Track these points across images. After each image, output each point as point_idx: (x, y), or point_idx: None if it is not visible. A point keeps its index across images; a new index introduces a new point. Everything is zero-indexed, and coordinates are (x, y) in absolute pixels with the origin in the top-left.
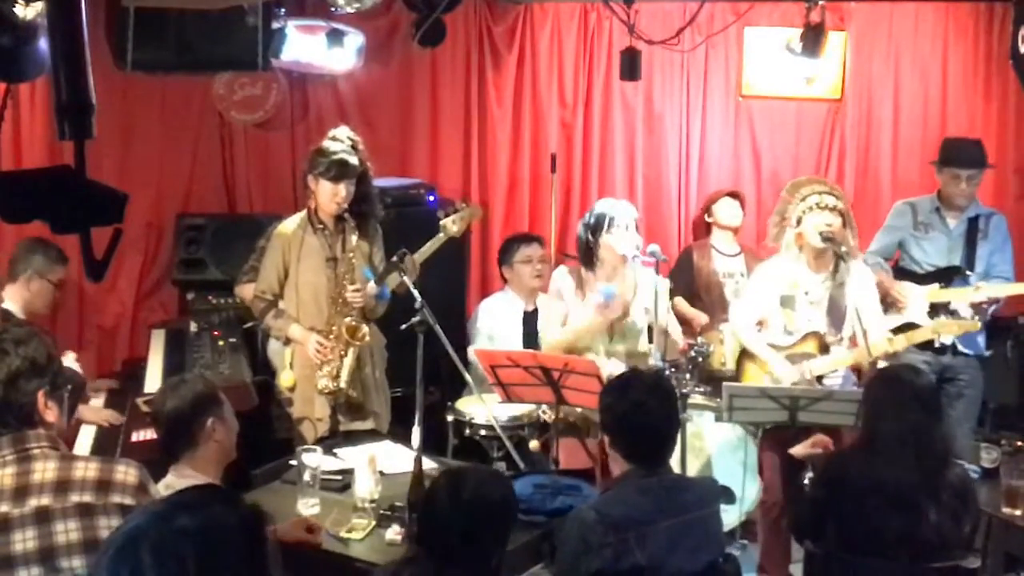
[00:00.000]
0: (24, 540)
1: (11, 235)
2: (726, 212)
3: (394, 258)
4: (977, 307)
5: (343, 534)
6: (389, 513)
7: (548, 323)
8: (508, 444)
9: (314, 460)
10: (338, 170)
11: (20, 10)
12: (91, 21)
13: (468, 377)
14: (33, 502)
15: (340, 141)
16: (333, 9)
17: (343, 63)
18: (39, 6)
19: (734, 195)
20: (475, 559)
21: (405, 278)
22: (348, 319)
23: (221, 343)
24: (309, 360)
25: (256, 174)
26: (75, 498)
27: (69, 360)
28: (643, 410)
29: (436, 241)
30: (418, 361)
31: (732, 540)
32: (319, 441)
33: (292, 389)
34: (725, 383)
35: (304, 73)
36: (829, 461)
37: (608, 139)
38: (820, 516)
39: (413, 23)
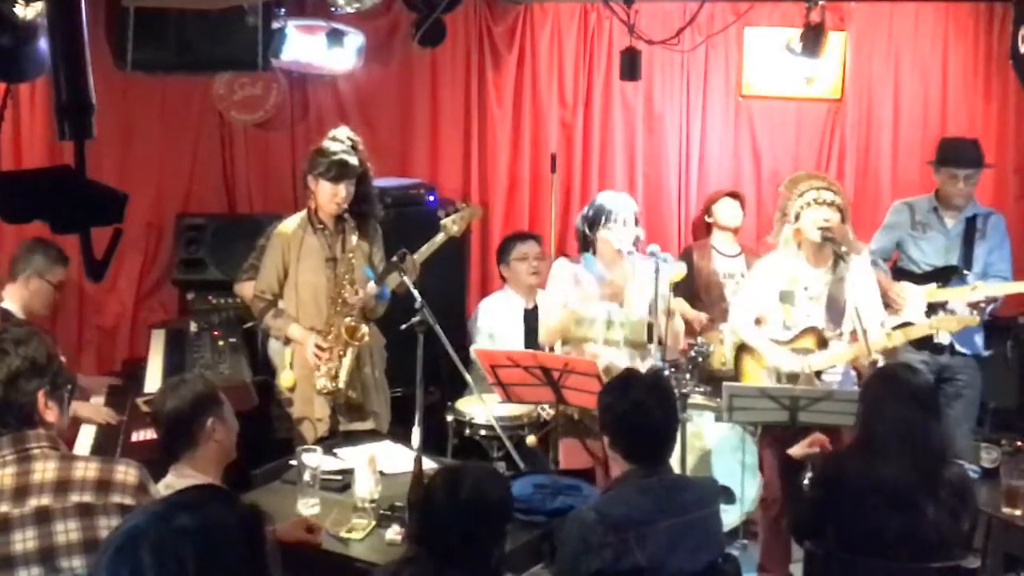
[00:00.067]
0: (24, 540)
1: (11, 235)
2: (726, 212)
3: (394, 258)
4: (975, 306)
5: (343, 534)
6: (389, 513)
7: (547, 311)
8: (508, 444)
9: (314, 460)
10: (338, 170)
11: (20, 10)
12: (91, 21)
13: (468, 377)
14: (33, 502)
15: (340, 141)
16: (333, 9)
17: (343, 63)
18: (39, 6)
19: (734, 195)
20: (475, 558)
21: (405, 278)
22: (347, 319)
23: (221, 343)
24: (309, 360)
25: (256, 174)
26: (75, 498)
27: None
28: (642, 410)
29: (436, 241)
30: (418, 361)
31: (733, 540)
32: (319, 441)
33: (292, 389)
34: (725, 383)
35: (304, 73)
36: (827, 461)
37: (608, 139)
38: (819, 516)
39: (413, 23)
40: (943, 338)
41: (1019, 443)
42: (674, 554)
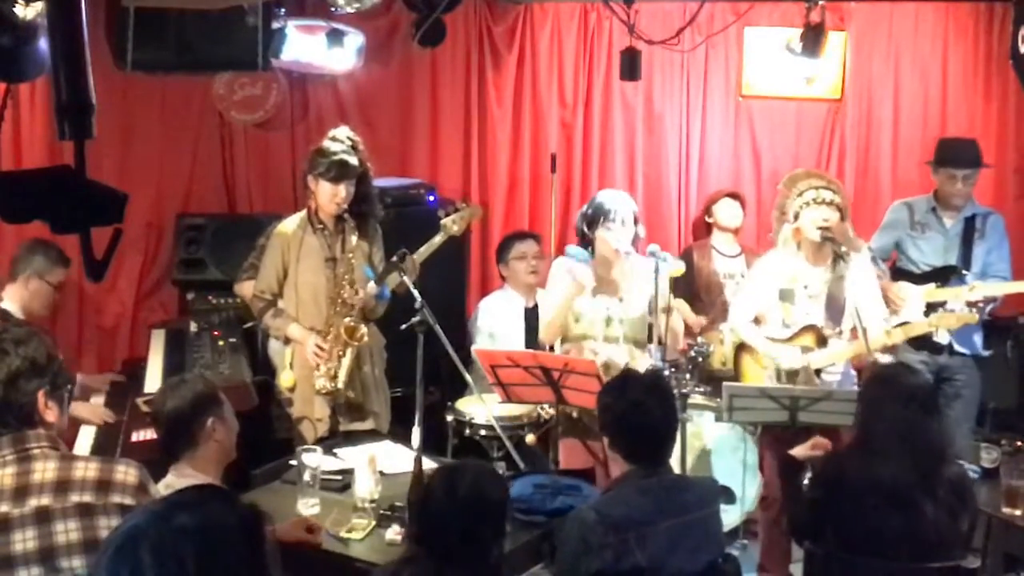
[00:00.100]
0: (24, 540)
1: (11, 235)
2: (726, 213)
3: (394, 258)
4: (973, 306)
5: (343, 534)
6: (389, 513)
7: (546, 308)
8: (508, 444)
9: (314, 460)
10: (338, 171)
11: (20, 10)
12: (91, 21)
13: (468, 377)
14: (33, 502)
15: (340, 141)
16: (333, 9)
17: (343, 63)
18: (39, 6)
19: (734, 196)
20: (475, 556)
21: (405, 278)
22: (347, 320)
23: (221, 343)
24: (309, 360)
25: (256, 174)
26: (75, 498)
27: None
28: (642, 410)
29: (436, 241)
30: (418, 361)
31: (733, 540)
32: (319, 441)
33: (292, 389)
34: (725, 383)
35: (304, 73)
36: (826, 462)
37: (608, 139)
38: (818, 516)
39: (413, 23)
40: (942, 338)
41: (1019, 443)
42: (674, 554)
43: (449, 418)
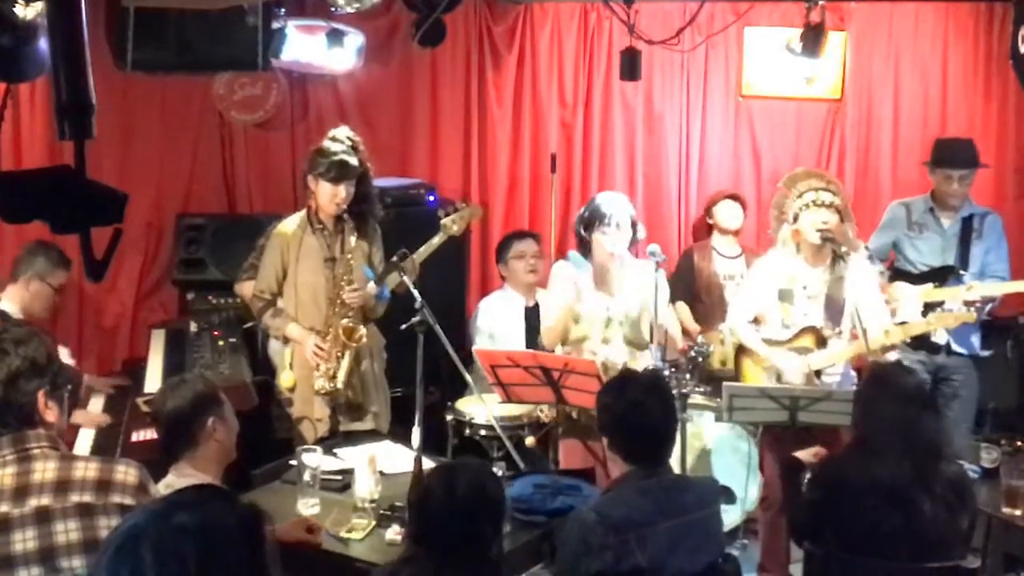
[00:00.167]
0: (24, 540)
1: (11, 235)
2: (726, 214)
3: (394, 258)
4: (971, 306)
5: (343, 534)
6: (389, 513)
7: (547, 313)
8: (508, 444)
9: (314, 460)
10: (338, 171)
11: (20, 10)
12: (91, 21)
13: (468, 377)
14: (33, 502)
15: (340, 142)
16: (333, 9)
17: (343, 63)
18: (39, 6)
19: (735, 197)
20: (475, 554)
21: (405, 278)
22: (345, 320)
23: (221, 343)
24: (308, 360)
25: (256, 174)
26: (75, 498)
27: (63, 356)
28: (641, 410)
29: (436, 241)
30: (418, 361)
31: (733, 540)
32: (319, 441)
33: (292, 389)
34: (725, 383)
35: (304, 73)
36: (825, 463)
37: (608, 139)
38: (818, 517)
39: (413, 23)
40: (939, 338)
41: (1019, 443)
42: (674, 555)
43: (449, 418)
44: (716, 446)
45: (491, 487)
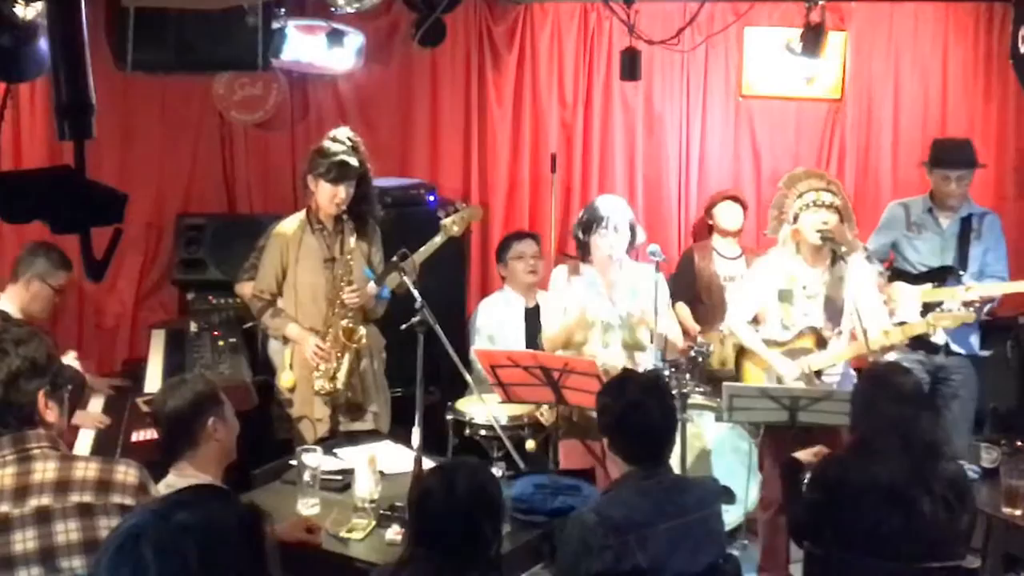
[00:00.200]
0: (24, 540)
1: (11, 235)
2: (726, 216)
3: (394, 258)
4: (970, 306)
5: (343, 534)
6: (389, 513)
7: (547, 319)
8: (508, 444)
9: (314, 460)
10: (338, 172)
11: (20, 10)
12: (91, 21)
13: (468, 377)
14: (33, 502)
15: (340, 142)
16: (333, 9)
17: (343, 63)
18: (39, 6)
19: (735, 199)
20: (475, 553)
21: (405, 278)
22: (345, 321)
23: (221, 343)
24: (308, 360)
25: (256, 174)
26: (75, 498)
27: (68, 358)
28: (641, 410)
29: (436, 241)
30: (418, 361)
31: (733, 540)
32: (319, 441)
33: (292, 389)
34: (725, 383)
35: (304, 73)
36: (824, 464)
37: (608, 139)
38: (818, 518)
39: (413, 23)
40: (938, 338)
41: (1019, 443)
42: (674, 555)
43: (449, 418)
44: (716, 446)
45: (490, 486)
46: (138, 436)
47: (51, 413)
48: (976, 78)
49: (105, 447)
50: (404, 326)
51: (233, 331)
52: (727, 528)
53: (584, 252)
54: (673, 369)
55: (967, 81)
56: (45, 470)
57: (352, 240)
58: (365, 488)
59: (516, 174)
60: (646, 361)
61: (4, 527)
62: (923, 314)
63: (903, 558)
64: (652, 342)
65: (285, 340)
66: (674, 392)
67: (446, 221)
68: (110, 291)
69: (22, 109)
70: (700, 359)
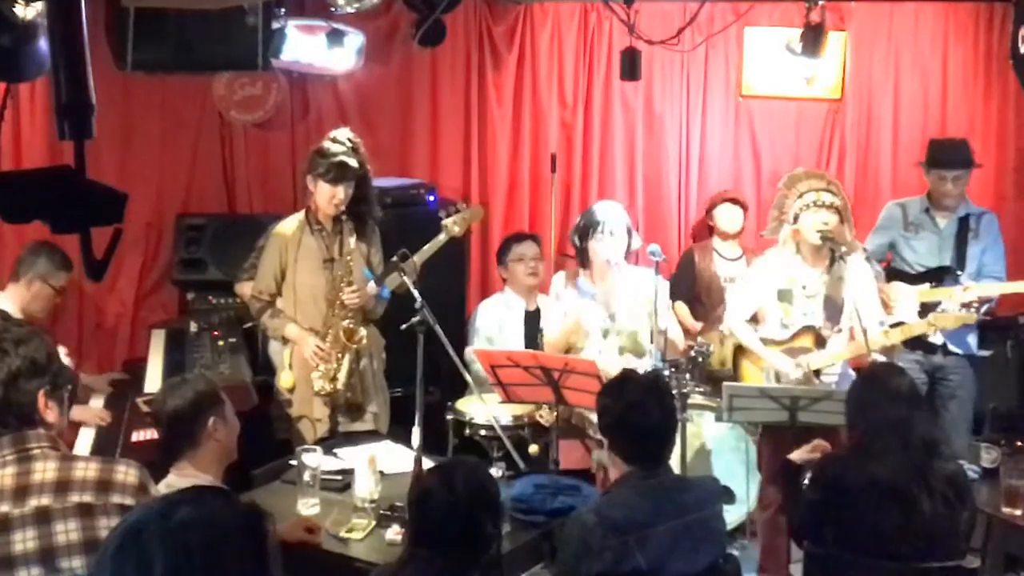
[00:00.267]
0: (24, 540)
1: (11, 235)
2: (725, 218)
3: (394, 258)
4: (968, 306)
5: (343, 534)
6: (389, 513)
7: (549, 324)
8: (508, 444)
9: (314, 460)
10: (337, 172)
11: (20, 10)
12: (91, 21)
13: (468, 377)
14: (33, 502)
15: (340, 143)
16: (333, 9)
17: (343, 63)
18: (39, 6)
19: (734, 201)
20: (477, 551)
21: (405, 278)
22: (346, 321)
23: (221, 343)
24: (307, 361)
25: (256, 174)
26: (75, 498)
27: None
28: (640, 410)
29: (437, 242)
30: (418, 361)
31: (733, 540)
32: (318, 442)
33: (291, 390)
34: (725, 383)
35: (304, 73)
36: (824, 464)
37: (608, 139)
38: (818, 518)
39: (413, 23)
40: (936, 338)
41: (1019, 443)
42: (674, 556)
43: (449, 418)
44: (716, 446)
45: (490, 485)
46: (138, 436)
47: (51, 413)
48: (976, 78)
49: (105, 447)
50: (404, 326)
51: (233, 331)
52: (728, 528)
53: (583, 258)
54: (673, 369)
55: (967, 81)
56: (45, 470)
57: (352, 241)
58: (365, 488)
59: (516, 174)
60: (646, 367)
61: (4, 527)
62: (921, 314)
63: (903, 558)
64: (652, 342)
65: (284, 340)
66: (674, 392)
67: (447, 221)
68: (110, 291)
69: (22, 109)
70: (700, 359)
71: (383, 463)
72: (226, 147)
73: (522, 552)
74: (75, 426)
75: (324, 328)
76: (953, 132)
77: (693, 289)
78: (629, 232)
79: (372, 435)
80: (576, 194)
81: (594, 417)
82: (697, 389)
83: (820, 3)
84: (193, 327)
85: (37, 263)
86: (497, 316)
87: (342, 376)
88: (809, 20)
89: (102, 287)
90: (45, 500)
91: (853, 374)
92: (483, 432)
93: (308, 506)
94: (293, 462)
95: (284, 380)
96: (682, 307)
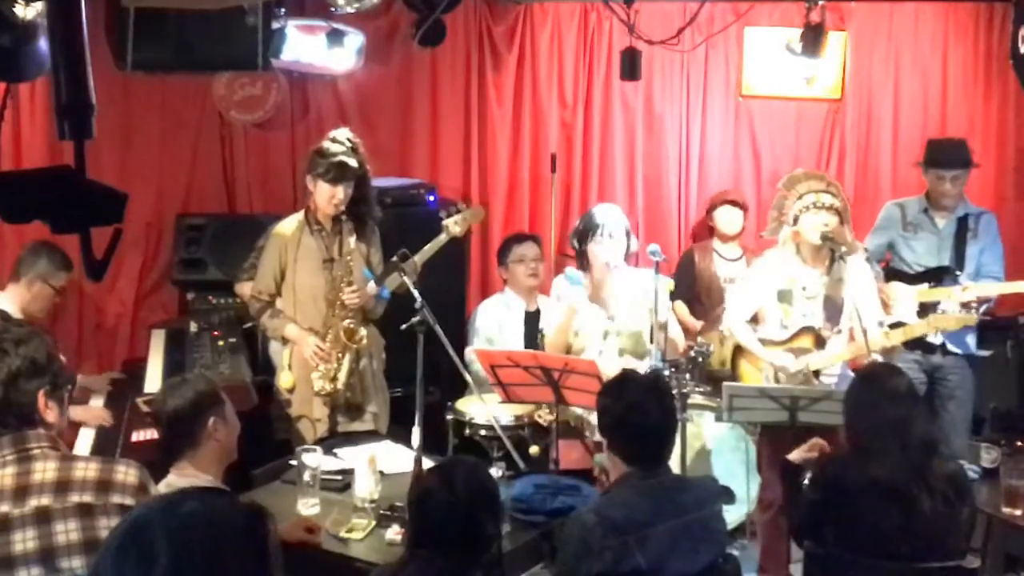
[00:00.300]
0: (24, 540)
1: (11, 235)
2: (724, 220)
3: (394, 258)
4: (966, 306)
5: (343, 534)
6: (389, 513)
7: (548, 325)
8: (508, 444)
9: (314, 460)
10: (336, 172)
11: (20, 10)
12: (91, 21)
13: (468, 377)
14: (33, 502)
15: (340, 143)
16: (333, 9)
17: (343, 63)
18: (39, 6)
19: (734, 203)
20: (477, 550)
21: (405, 278)
22: (346, 321)
23: (221, 343)
24: (306, 361)
25: (256, 174)
26: (75, 498)
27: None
28: (640, 411)
29: (437, 242)
30: (418, 361)
31: (733, 540)
32: (318, 442)
33: (291, 390)
34: (725, 383)
35: (304, 73)
36: (824, 464)
37: (608, 139)
38: (818, 518)
39: (413, 23)
40: (935, 338)
41: (1019, 443)
42: (674, 555)
43: (449, 418)
44: (716, 446)
45: (489, 484)
46: (138, 436)
47: (51, 413)
48: (976, 78)
49: (105, 447)
50: (404, 326)
51: (233, 331)
52: (728, 528)
53: (582, 261)
54: (673, 369)
55: (967, 81)
56: (45, 470)
57: (351, 241)
58: (365, 488)
59: (516, 174)
60: (646, 368)
61: (4, 527)
62: (920, 314)
63: (903, 558)
64: (652, 342)
65: (284, 341)
66: (674, 392)
67: (448, 221)
68: (110, 291)
69: (22, 109)
70: (700, 359)
71: (383, 463)
72: (226, 147)
73: (522, 552)
74: (75, 426)
75: (324, 328)
76: (953, 132)
77: (693, 289)
78: (628, 235)
79: (372, 435)
80: (576, 194)
81: (593, 419)
82: (697, 389)
83: (820, 3)
84: (193, 327)
85: (38, 263)
86: (497, 316)
87: (342, 376)
88: (809, 20)
89: (102, 287)
90: (45, 500)
91: (852, 375)
92: (483, 432)
93: (308, 506)
94: (293, 462)
95: (283, 380)
96: (681, 306)
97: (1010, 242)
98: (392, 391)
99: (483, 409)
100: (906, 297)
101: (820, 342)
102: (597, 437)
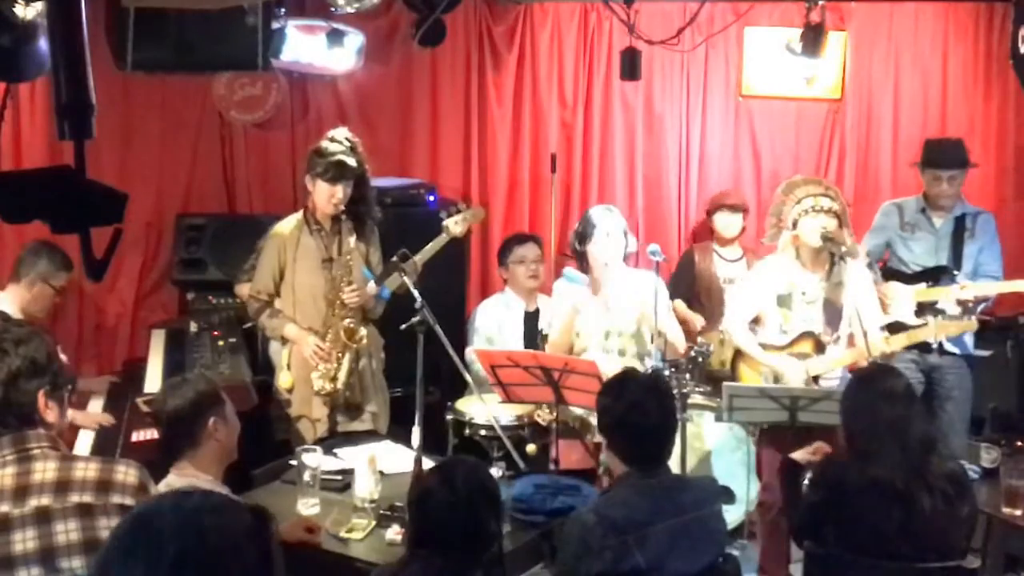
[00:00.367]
0: (24, 540)
1: (11, 235)
2: (723, 223)
3: (394, 258)
4: (964, 305)
5: (343, 534)
6: (389, 513)
7: (550, 328)
8: (508, 444)
9: (314, 460)
10: (335, 171)
11: (20, 10)
12: (91, 21)
13: (468, 377)
14: (33, 502)
15: (339, 143)
16: (333, 9)
17: (343, 63)
18: (39, 6)
19: (733, 208)
20: (478, 550)
21: (405, 278)
22: (347, 321)
23: (221, 343)
24: (306, 361)
25: (256, 174)
26: (75, 498)
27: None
28: (640, 411)
29: (438, 242)
30: (418, 361)
31: (733, 540)
32: (317, 442)
33: (290, 390)
34: (725, 383)
35: (304, 73)
36: (824, 465)
37: (608, 139)
38: (819, 519)
39: (413, 23)
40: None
41: (1019, 443)
42: (674, 555)
43: (449, 418)
44: (716, 447)
45: (489, 483)
46: (138, 436)
47: (51, 413)
48: (976, 78)
49: (105, 447)
50: (404, 326)
51: (233, 331)
52: (727, 528)
53: (582, 262)
54: (673, 369)
55: (967, 81)
56: (45, 470)
57: (351, 240)
58: (365, 488)
59: (516, 174)
60: (646, 369)
61: (4, 527)
62: (917, 314)
63: (903, 557)
64: (652, 342)
65: (283, 340)
66: (674, 392)
67: (448, 221)
68: (110, 291)
69: (22, 109)
70: (700, 359)
71: (383, 463)
72: (226, 147)
73: (522, 552)
74: (75, 427)
75: (324, 328)
76: (953, 132)
77: (693, 289)
78: (626, 234)
79: (371, 435)
80: (576, 194)
81: (593, 420)
82: (697, 389)
83: (820, 3)
84: (193, 327)
85: (38, 263)
86: (497, 316)
87: (342, 376)
88: (809, 20)
89: (102, 287)
90: (45, 500)
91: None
92: (483, 432)
93: (308, 506)
94: (293, 462)
95: (283, 380)
96: (680, 304)
97: (1009, 242)
98: (392, 391)
99: (483, 409)
100: (904, 297)
101: (820, 347)
102: (598, 439)
